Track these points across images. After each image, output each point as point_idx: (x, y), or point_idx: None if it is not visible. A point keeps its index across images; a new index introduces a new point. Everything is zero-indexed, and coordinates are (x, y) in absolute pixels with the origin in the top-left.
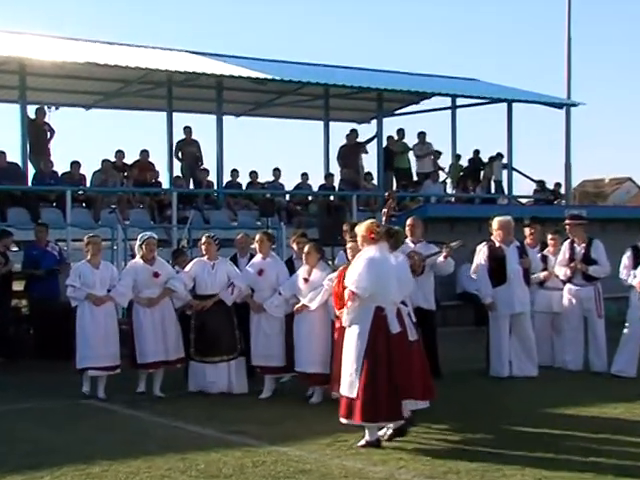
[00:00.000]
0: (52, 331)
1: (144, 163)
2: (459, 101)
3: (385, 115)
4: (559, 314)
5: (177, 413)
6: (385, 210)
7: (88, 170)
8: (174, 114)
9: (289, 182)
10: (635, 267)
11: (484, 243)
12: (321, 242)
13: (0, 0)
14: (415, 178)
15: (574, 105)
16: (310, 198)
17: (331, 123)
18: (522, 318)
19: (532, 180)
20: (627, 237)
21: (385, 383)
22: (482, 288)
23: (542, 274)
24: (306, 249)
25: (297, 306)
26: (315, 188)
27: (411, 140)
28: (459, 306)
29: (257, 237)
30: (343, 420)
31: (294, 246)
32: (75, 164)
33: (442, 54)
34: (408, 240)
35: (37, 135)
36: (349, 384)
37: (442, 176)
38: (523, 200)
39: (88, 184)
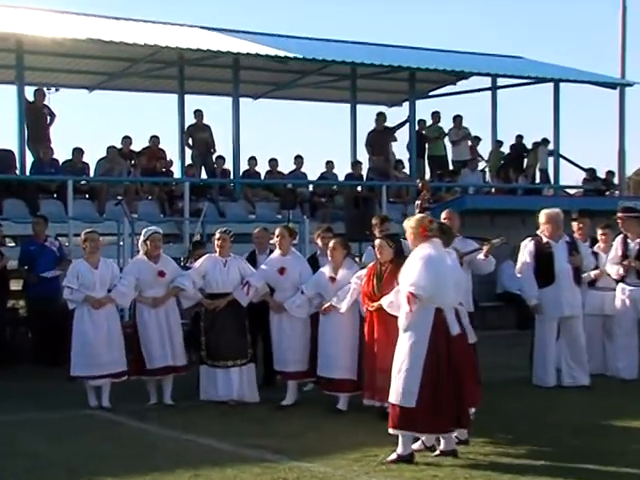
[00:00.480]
0: (52, 334)
1: (154, 150)
2: (500, 81)
3: (418, 97)
4: (611, 317)
5: (188, 425)
6: (418, 202)
7: (92, 158)
8: (186, 96)
9: (312, 171)
10: None
11: (529, 239)
12: (348, 237)
13: None
14: (451, 167)
15: (629, 85)
16: (335, 189)
17: (358, 106)
18: (572, 322)
19: (581, 168)
20: None
21: (449, 389)
22: (527, 288)
23: (593, 273)
24: (331, 245)
25: (324, 306)
26: (341, 178)
27: (447, 124)
28: (500, 307)
29: (277, 232)
30: (393, 431)
31: (318, 242)
32: (77, 151)
33: (481, 29)
34: None
35: (36, 119)
36: (405, 392)
37: (481, 164)
38: (571, 191)
39: (92, 173)
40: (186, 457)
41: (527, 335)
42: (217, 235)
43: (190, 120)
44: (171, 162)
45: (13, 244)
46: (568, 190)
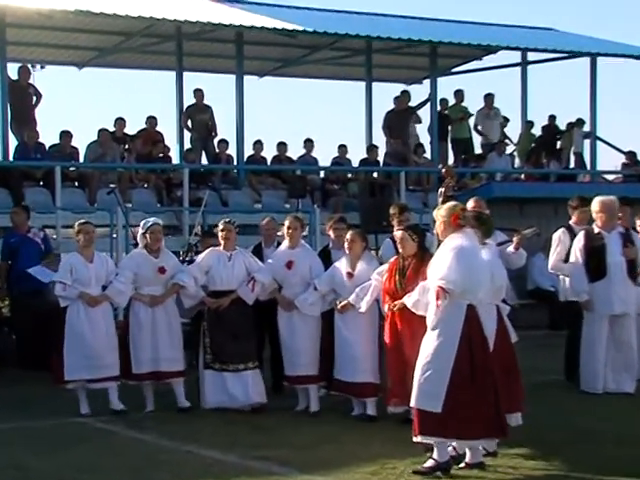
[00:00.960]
0: (39, 335)
1: (150, 133)
2: (531, 56)
3: (440, 74)
4: None
5: (189, 435)
6: (442, 190)
7: (82, 142)
8: (185, 74)
9: (324, 156)
10: None
11: (562, 229)
12: (363, 228)
13: None
14: (479, 150)
15: None
16: (349, 175)
17: (375, 84)
18: (623, 321)
19: (620, 152)
20: None
21: (484, 393)
22: (576, 283)
23: None
24: (349, 237)
25: (341, 304)
26: (355, 163)
27: (471, 104)
28: (530, 305)
29: (286, 222)
30: (419, 439)
31: (330, 233)
32: (66, 135)
33: None
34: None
35: (20, 100)
36: (431, 395)
37: (510, 148)
38: (609, 176)
39: (82, 159)
40: (186, 470)
41: (561, 336)
42: (221, 226)
43: (189, 100)
44: (168, 148)
45: None
46: (606, 176)
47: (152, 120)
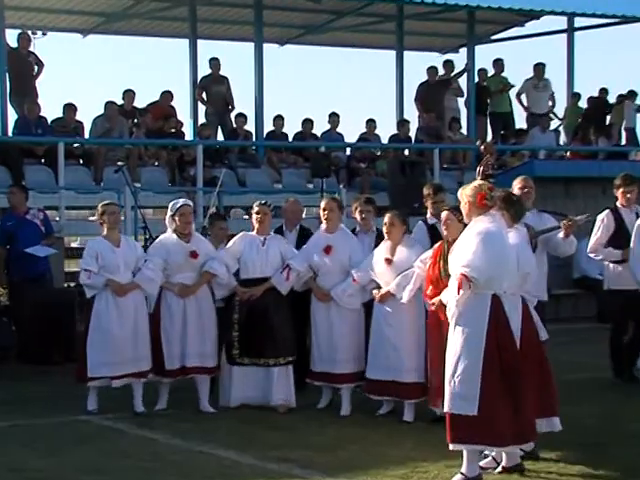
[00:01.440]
0: (40, 326)
1: (161, 107)
2: (578, 21)
3: (478, 42)
4: None
5: (203, 434)
6: (480, 168)
7: (87, 116)
8: (199, 42)
9: (350, 132)
10: None
11: (607, 211)
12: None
13: None
14: (522, 125)
15: None
16: (378, 153)
17: (406, 53)
18: None
19: None
20: None
21: (512, 395)
22: (637, 270)
23: None
24: (387, 220)
25: (380, 293)
26: (385, 140)
27: (512, 76)
28: (576, 296)
29: (323, 204)
30: (455, 446)
31: (356, 216)
32: (69, 108)
33: None
34: None
35: (19, 69)
36: (465, 397)
37: (554, 123)
38: None
39: (87, 134)
40: (200, 472)
41: (609, 329)
42: (255, 208)
43: (204, 71)
44: (181, 123)
45: None
46: None
47: (167, 95)
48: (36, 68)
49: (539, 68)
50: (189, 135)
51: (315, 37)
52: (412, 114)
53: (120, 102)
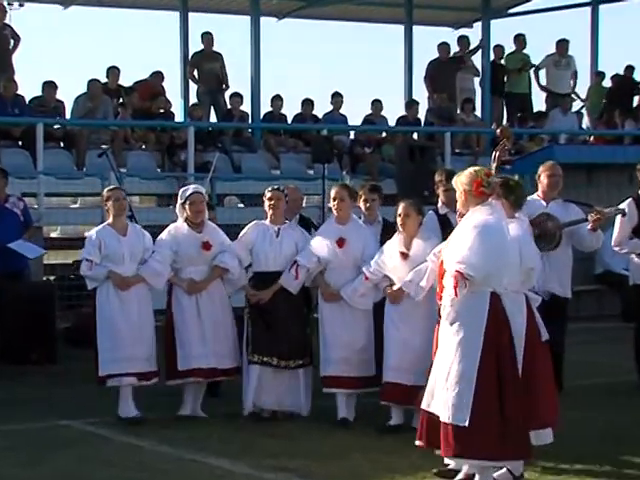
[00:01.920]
0: (16, 323)
1: (149, 85)
2: None
3: (494, 16)
4: None
5: (194, 442)
6: (496, 153)
7: (68, 95)
8: (190, 15)
9: (354, 114)
10: None
11: (629, 200)
12: (400, 198)
13: None
14: (541, 107)
15: None
16: (384, 136)
17: (416, 28)
18: None
19: None
20: None
21: (512, 404)
22: None
23: None
24: (401, 210)
25: (393, 289)
26: (392, 122)
27: (530, 52)
28: (599, 292)
29: (333, 193)
30: (449, 460)
31: (361, 205)
32: (49, 86)
33: None
34: (537, 197)
35: None
36: (457, 406)
37: (577, 104)
38: None
39: (68, 114)
40: None
41: (634, 329)
42: (268, 194)
43: (196, 46)
44: (170, 104)
45: None
46: None
47: (158, 76)
48: (12, 42)
49: (562, 45)
50: (179, 116)
51: (316, 10)
52: (422, 94)
53: (104, 80)
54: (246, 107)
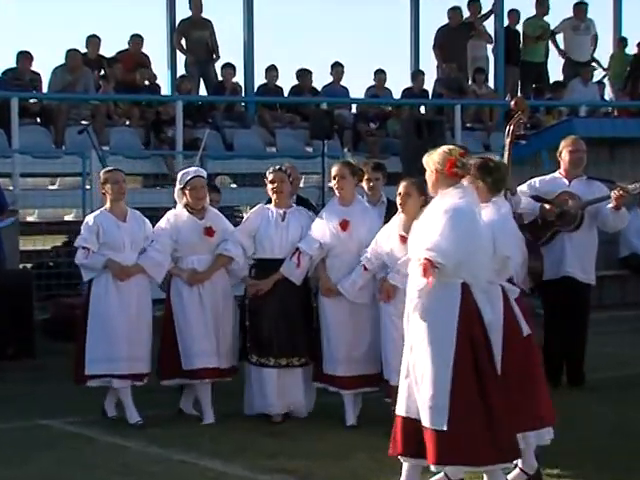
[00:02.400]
0: None
1: (132, 55)
2: None
3: None
4: None
5: (184, 442)
6: (510, 127)
7: (45, 66)
8: None
9: (356, 85)
10: None
11: None
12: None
13: None
14: (559, 76)
15: None
16: (389, 110)
17: None
18: None
19: None
20: None
21: (495, 402)
22: None
23: None
24: (402, 189)
25: (385, 285)
26: (397, 95)
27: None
28: (623, 277)
29: (333, 171)
30: (435, 468)
31: (363, 184)
32: (24, 56)
33: None
34: (559, 175)
35: None
36: (434, 410)
37: (598, 74)
38: None
39: (45, 88)
40: None
41: None
42: (270, 176)
43: (184, 13)
44: (155, 76)
45: None
46: None
47: (137, 39)
48: None
49: (580, 8)
50: (166, 89)
51: None
52: (429, 64)
53: (84, 50)
54: (239, 79)
